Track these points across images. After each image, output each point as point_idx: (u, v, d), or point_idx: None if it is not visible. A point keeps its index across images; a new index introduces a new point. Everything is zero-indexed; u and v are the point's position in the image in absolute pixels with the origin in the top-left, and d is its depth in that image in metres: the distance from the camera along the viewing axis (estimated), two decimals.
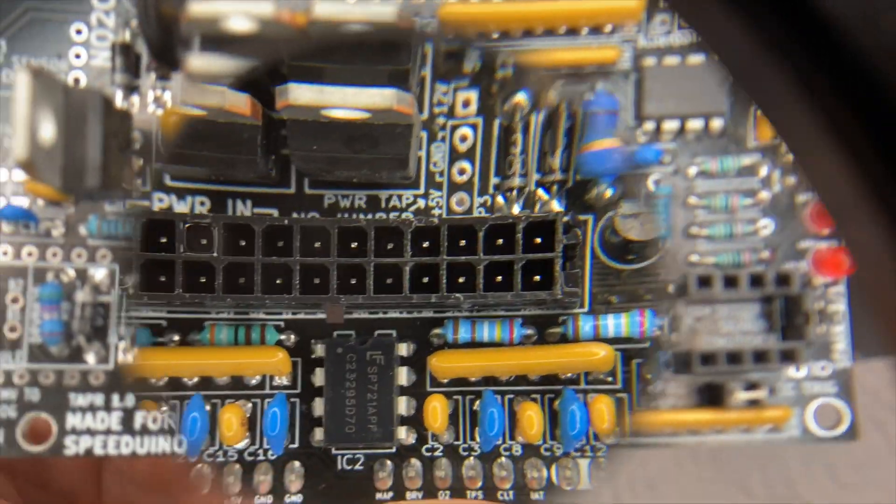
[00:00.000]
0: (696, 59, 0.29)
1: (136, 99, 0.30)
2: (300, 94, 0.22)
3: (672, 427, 0.28)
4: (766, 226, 0.29)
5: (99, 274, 0.29)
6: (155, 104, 0.30)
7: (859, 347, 0.29)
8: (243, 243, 0.25)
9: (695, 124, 0.29)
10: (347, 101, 0.21)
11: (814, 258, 0.29)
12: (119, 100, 0.30)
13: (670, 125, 0.29)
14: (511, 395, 0.28)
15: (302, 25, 0.24)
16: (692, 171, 0.29)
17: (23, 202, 0.29)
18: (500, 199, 0.28)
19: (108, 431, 0.29)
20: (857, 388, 0.29)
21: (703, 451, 0.42)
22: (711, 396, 0.28)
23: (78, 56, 0.29)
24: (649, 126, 0.29)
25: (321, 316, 0.28)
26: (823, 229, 0.29)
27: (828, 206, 0.14)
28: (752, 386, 0.28)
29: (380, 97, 0.21)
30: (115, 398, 0.29)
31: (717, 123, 0.29)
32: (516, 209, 0.28)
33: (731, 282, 0.28)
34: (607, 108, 0.29)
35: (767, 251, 0.29)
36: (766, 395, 0.28)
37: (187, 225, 0.24)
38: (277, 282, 0.25)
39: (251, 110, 0.24)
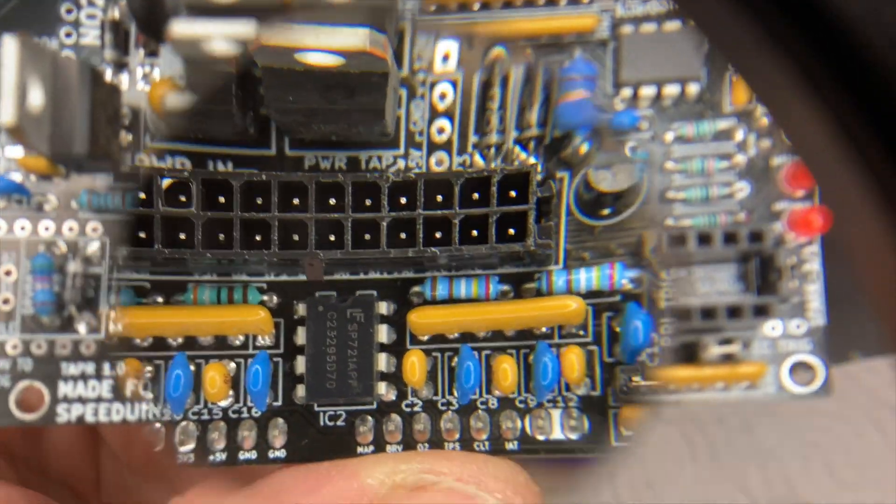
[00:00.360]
0: (673, 25, 0.29)
1: (125, 77, 0.31)
2: (273, 34, 0.22)
3: (650, 386, 0.29)
4: (742, 188, 0.30)
5: (91, 246, 0.30)
6: (144, 81, 0.31)
7: (835, 309, 0.30)
8: (222, 200, 0.26)
9: (671, 90, 0.29)
10: (321, 41, 0.22)
11: (788, 219, 0.30)
12: (109, 76, 0.30)
13: (647, 91, 0.30)
14: (488, 351, 0.28)
15: None
16: (669, 136, 0.30)
17: (15, 177, 0.30)
18: (478, 159, 0.28)
19: (98, 399, 0.29)
20: (831, 345, 0.29)
21: (701, 449, 0.42)
22: (687, 355, 0.29)
23: (69, 35, 0.30)
24: (627, 93, 0.30)
25: (303, 278, 0.28)
26: (798, 190, 0.30)
27: (829, 201, 0.14)
28: (726, 341, 0.29)
29: (353, 36, 0.22)
30: (106, 367, 0.29)
31: (693, 88, 0.30)
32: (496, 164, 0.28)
33: (704, 240, 0.28)
34: (585, 73, 0.29)
35: (743, 213, 0.30)
36: (741, 350, 0.29)
37: (166, 181, 0.25)
38: (257, 238, 0.26)
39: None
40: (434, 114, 0.29)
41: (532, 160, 0.28)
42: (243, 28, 0.25)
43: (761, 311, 0.28)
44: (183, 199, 0.26)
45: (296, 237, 0.26)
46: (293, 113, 0.24)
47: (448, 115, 0.29)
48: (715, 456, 0.42)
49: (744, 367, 0.29)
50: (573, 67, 0.29)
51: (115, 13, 0.31)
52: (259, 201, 0.26)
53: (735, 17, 0.14)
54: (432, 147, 0.29)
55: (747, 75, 0.15)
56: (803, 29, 0.13)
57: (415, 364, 0.27)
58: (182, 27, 0.26)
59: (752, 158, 0.30)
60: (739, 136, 0.30)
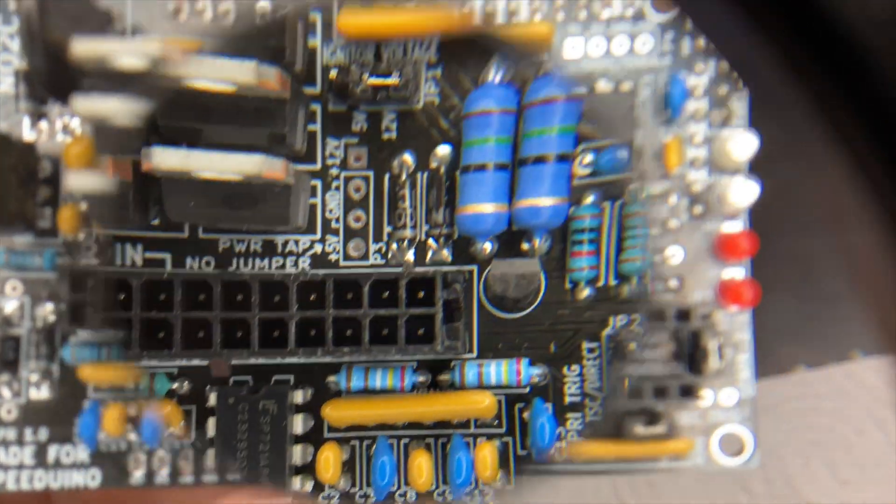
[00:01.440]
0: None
1: (44, 125, 0.30)
2: (164, 159, 0.21)
3: (575, 459, 0.28)
4: (675, 254, 0.29)
5: (9, 306, 0.29)
6: (63, 132, 0.30)
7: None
8: (122, 297, 0.25)
9: None
10: (214, 167, 0.21)
11: (720, 287, 0.29)
12: (26, 128, 0.29)
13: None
14: (406, 440, 0.28)
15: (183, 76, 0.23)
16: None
17: None
18: (394, 246, 0.28)
19: (20, 466, 0.29)
20: (760, 415, 0.29)
21: None
22: (615, 429, 0.29)
23: None
24: None
25: None
26: (731, 258, 0.29)
27: (824, 203, 0.14)
28: (653, 417, 0.28)
29: (248, 163, 0.21)
30: (28, 432, 0.29)
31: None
32: (410, 256, 0.28)
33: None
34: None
35: (675, 280, 0.29)
36: (666, 430, 0.28)
37: None
38: (160, 335, 0.25)
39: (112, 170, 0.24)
40: (350, 204, 0.29)
41: (445, 252, 0.28)
42: (142, 106, 0.24)
43: (687, 392, 0.27)
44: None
45: (201, 334, 0.25)
46: (197, 217, 0.24)
47: (363, 207, 0.29)
48: None
49: (671, 444, 0.28)
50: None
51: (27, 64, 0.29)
52: (162, 297, 0.25)
53: (724, 12, 0.13)
54: (349, 233, 0.28)
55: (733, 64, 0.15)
56: (792, 21, 0.13)
57: (329, 460, 0.26)
58: (83, 103, 0.25)
59: (685, 224, 0.29)
60: (673, 200, 0.29)
